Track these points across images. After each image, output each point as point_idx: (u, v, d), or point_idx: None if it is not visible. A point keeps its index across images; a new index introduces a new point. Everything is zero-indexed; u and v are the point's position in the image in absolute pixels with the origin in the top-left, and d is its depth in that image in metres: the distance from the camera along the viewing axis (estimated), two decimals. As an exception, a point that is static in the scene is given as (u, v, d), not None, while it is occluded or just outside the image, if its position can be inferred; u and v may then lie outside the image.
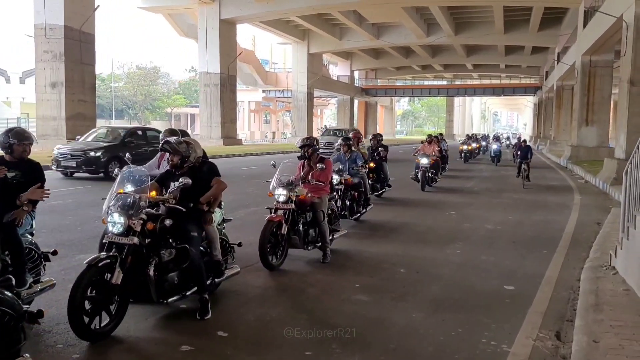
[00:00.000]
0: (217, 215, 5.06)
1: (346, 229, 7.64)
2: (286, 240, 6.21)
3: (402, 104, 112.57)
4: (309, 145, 6.81)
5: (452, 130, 76.12)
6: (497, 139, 31.96)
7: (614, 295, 4.92)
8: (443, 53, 54.32)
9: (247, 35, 70.21)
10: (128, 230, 4.11)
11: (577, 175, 20.06)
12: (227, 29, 32.99)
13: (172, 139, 5.02)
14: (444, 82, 71.89)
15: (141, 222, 4.17)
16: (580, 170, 20.32)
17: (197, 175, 4.82)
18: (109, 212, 4.19)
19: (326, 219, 6.63)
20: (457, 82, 71.79)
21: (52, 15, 21.22)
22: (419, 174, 13.95)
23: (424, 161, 13.92)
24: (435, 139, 15.90)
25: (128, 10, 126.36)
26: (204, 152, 5.04)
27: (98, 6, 22.16)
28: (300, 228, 6.35)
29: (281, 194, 6.22)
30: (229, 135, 34.21)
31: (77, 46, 21.74)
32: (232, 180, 14.61)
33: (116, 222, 4.12)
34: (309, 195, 6.48)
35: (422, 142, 15.81)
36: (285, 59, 59.35)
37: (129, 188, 4.57)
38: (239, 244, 5.49)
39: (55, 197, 9.92)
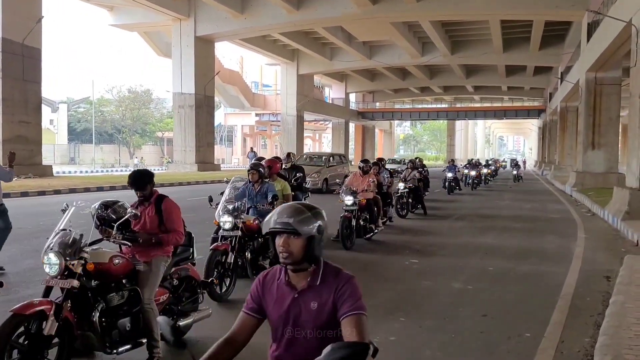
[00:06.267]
0: None
1: (211, 308, 4.89)
2: (67, 342, 3.57)
3: (405, 128, 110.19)
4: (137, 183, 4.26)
5: (453, 155, 73.38)
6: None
7: None
8: (441, 74, 52.09)
9: (235, 57, 68.37)
10: None
11: (583, 205, 17.34)
12: (204, 47, 30.77)
13: None
14: (445, 105, 69.49)
15: None
16: (586, 200, 17.59)
17: None
18: None
19: (152, 303, 3.98)
20: (458, 105, 69.43)
21: (-11, 27, 19.09)
22: (340, 222, 8.97)
23: (348, 200, 9.24)
24: (375, 167, 10.64)
25: (114, 32, 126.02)
26: None
27: (42, 17, 19.96)
28: (96, 319, 3.72)
29: (52, 263, 3.60)
30: (205, 160, 31.69)
31: (18, 61, 19.47)
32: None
33: None
34: (115, 261, 3.86)
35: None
36: (277, 80, 57.24)
37: None
38: None
39: None
